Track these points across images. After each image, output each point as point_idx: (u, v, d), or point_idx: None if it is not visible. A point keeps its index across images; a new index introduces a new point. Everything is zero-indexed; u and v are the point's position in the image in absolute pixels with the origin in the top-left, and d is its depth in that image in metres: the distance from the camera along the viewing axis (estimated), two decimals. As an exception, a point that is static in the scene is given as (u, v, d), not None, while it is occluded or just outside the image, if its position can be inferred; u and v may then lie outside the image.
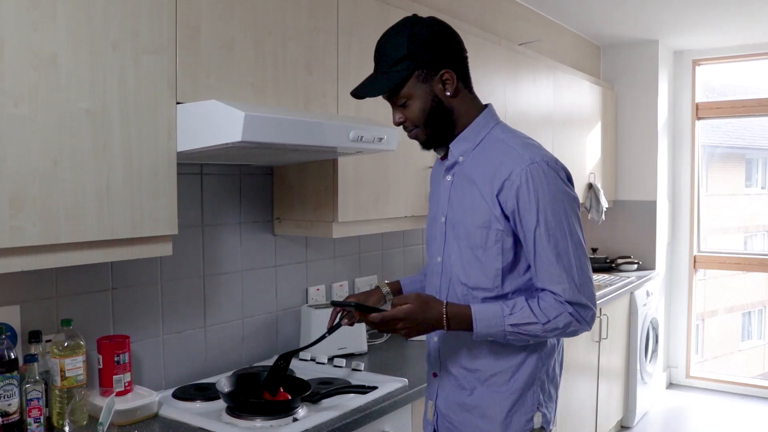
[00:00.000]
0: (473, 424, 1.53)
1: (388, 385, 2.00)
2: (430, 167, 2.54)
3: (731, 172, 6.33)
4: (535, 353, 1.51)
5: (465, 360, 1.54)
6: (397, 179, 2.38)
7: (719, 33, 4.45)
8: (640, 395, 4.34)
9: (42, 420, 1.57)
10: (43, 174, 1.34)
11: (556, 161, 1.46)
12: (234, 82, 1.74)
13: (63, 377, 1.62)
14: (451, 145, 1.54)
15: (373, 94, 1.48)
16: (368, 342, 2.48)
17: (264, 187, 2.34)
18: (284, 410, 1.72)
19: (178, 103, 1.59)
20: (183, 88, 1.60)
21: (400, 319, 1.41)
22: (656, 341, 4.55)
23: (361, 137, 1.81)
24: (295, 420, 1.69)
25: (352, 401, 1.85)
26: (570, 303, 1.41)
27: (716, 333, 6.51)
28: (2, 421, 1.51)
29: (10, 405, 1.52)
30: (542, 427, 1.53)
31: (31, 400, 1.55)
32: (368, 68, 2.19)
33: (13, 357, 1.53)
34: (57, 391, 1.63)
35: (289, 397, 1.77)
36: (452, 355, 1.56)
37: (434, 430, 1.63)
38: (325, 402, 1.84)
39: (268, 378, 1.74)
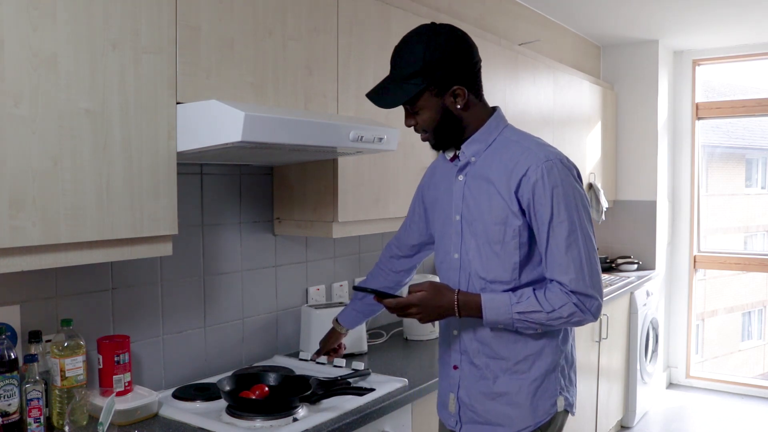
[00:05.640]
0: (500, 411, 1.59)
1: (387, 385, 2.00)
2: (430, 167, 2.55)
3: (731, 172, 6.33)
4: (553, 340, 1.59)
5: (487, 350, 1.60)
6: (397, 179, 2.38)
7: (719, 33, 4.45)
8: (640, 395, 4.34)
9: (42, 420, 1.57)
10: (43, 174, 1.34)
11: (568, 159, 1.55)
12: (234, 82, 1.74)
13: (63, 377, 1.62)
14: (463, 147, 1.60)
15: (387, 107, 1.56)
16: (368, 342, 2.48)
17: (264, 187, 2.34)
18: (284, 410, 1.72)
19: (178, 103, 1.59)
20: (183, 88, 1.60)
21: (414, 304, 1.54)
22: (656, 341, 4.55)
23: (361, 137, 1.81)
24: (295, 420, 1.69)
25: (351, 401, 1.85)
26: (575, 293, 1.48)
27: (716, 333, 6.51)
28: (2, 421, 1.51)
29: (10, 405, 1.52)
30: (566, 410, 1.62)
31: (31, 400, 1.55)
32: (368, 68, 2.20)
33: (13, 357, 1.53)
34: (57, 391, 1.63)
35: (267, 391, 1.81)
36: (474, 347, 1.62)
37: (457, 421, 1.67)
38: (325, 402, 1.84)
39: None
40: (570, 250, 1.49)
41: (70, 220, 1.39)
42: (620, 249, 4.86)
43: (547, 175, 1.49)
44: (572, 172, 1.53)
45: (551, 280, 1.52)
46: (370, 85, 2.21)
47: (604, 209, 4.32)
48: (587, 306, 1.49)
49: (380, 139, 1.88)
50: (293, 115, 1.69)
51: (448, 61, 1.50)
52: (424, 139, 1.63)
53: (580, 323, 1.53)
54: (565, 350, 1.63)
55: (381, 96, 1.56)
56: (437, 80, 1.51)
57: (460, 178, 1.63)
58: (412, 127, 1.61)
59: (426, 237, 1.85)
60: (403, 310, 1.56)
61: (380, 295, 1.59)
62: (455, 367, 1.66)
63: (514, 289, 1.54)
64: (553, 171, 1.49)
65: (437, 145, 1.63)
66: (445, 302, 1.54)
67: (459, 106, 1.54)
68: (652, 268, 4.73)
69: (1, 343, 1.52)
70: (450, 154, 1.66)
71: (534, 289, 1.52)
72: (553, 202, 1.48)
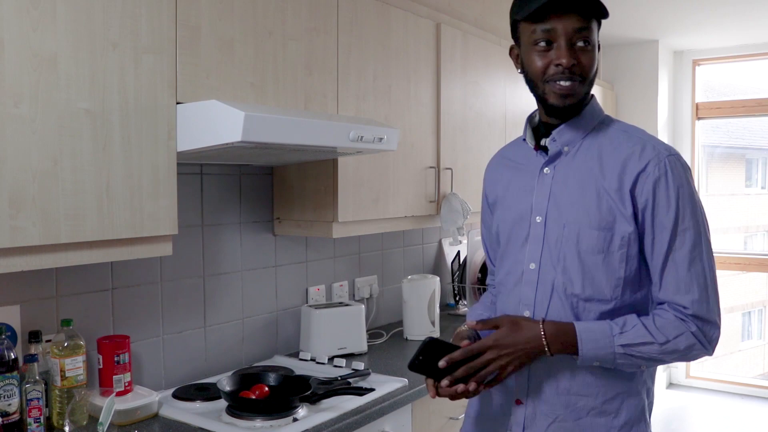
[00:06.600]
0: None
1: (387, 385, 2.00)
2: (431, 167, 2.55)
3: (731, 172, 6.33)
4: (642, 376, 1.32)
5: (567, 384, 1.29)
6: (397, 179, 2.38)
7: (719, 33, 4.45)
8: (640, 395, 4.33)
9: (42, 420, 1.57)
10: (43, 174, 1.34)
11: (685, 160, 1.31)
12: (234, 82, 1.74)
13: (63, 377, 1.62)
14: (555, 133, 1.33)
15: (600, 8, 1.25)
16: (368, 342, 2.48)
17: (264, 187, 2.34)
18: (284, 410, 1.72)
19: (178, 103, 1.59)
20: (183, 88, 1.61)
21: (489, 346, 1.23)
22: (656, 341, 4.54)
23: (361, 137, 1.81)
24: (295, 420, 1.69)
25: (351, 401, 1.85)
26: (696, 318, 1.21)
27: (716, 333, 6.50)
28: (2, 421, 1.51)
29: (10, 405, 1.52)
30: None
31: (31, 400, 1.55)
32: (368, 68, 2.20)
33: (13, 357, 1.53)
34: (57, 391, 1.63)
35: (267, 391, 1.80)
36: (548, 379, 1.31)
37: None
38: (325, 402, 1.84)
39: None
40: (694, 264, 1.22)
41: (70, 220, 1.39)
42: (620, 249, 4.85)
43: (671, 172, 1.22)
44: (690, 174, 1.28)
45: (662, 303, 1.25)
46: (370, 85, 2.22)
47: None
48: (708, 336, 1.22)
49: (380, 139, 1.88)
50: (293, 115, 1.69)
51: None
52: (567, 89, 1.27)
53: (696, 357, 1.25)
54: (651, 388, 1.35)
55: None
56: (605, 13, 1.25)
57: (547, 171, 1.34)
58: (559, 67, 1.25)
59: None
60: (474, 359, 1.23)
61: (435, 347, 1.24)
62: (519, 402, 1.34)
63: (612, 312, 1.26)
64: (677, 168, 1.24)
65: (575, 106, 1.30)
66: (529, 335, 1.22)
67: (599, 55, 1.29)
68: (652, 268, 4.73)
69: (1, 343, 1.52)
70: (532, 142, 1.37)
71: (639, 316, 1.24)
72: (679, 204, 1.22)
